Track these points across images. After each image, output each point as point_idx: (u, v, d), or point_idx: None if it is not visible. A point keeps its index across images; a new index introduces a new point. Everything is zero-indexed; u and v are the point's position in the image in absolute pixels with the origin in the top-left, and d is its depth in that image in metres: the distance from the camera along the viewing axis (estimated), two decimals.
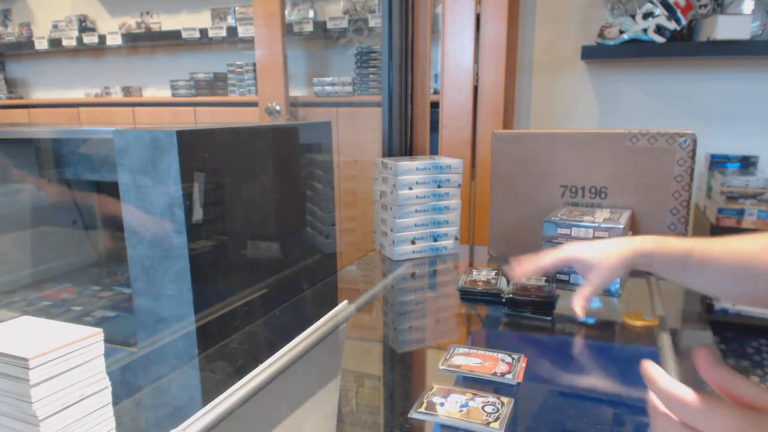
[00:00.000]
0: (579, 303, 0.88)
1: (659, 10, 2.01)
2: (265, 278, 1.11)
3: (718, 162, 2.13)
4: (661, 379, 0.43)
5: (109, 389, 0.51)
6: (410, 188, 1.33)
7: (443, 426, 0.67)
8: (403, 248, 1.36)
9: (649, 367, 0.44)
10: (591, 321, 1.03)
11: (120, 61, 3.60)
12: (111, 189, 0.98)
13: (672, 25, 2.01)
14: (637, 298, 1.15)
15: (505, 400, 0.71)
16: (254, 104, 2.75)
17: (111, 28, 3.52)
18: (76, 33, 3.48)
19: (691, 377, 0.83)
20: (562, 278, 1.15)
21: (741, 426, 0.37)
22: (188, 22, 3.32)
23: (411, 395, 0.79)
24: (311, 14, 2.95)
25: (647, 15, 2.03)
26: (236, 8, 3.14)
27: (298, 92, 3.07)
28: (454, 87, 2.05)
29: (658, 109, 2.28)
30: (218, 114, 3.11)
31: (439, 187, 1.36)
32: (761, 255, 0.68)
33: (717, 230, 1.89)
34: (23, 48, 3.72)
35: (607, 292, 1.12)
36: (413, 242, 1.37)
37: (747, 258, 0.69)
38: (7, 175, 1.31)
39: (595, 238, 1.10)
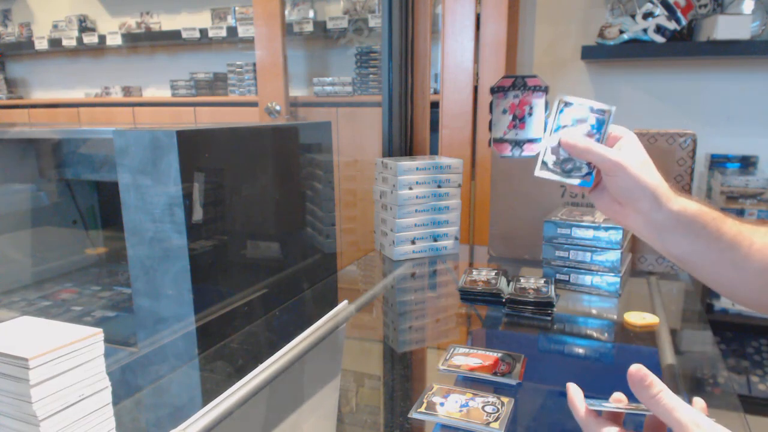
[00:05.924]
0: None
1: (659, 10, 2.01)
2: (265, 278, 1.11)
3: (718, 162, 2.13)
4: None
5: (109, 389, 0.51)
6: (410, 188, 1.33)
7: (443, 426, 0.67)
8: (403, 248, 1.36)
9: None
10: (591, 321, 1.03)
11: (120, 61, 3.60)
12: (111, 189, 0.98)
13: (672, 25, 2.01)
14: (637, 298, 1.15)
15: (505, 400, 0.71)
16: (254, 104, 2.75)
17: (111, 28, 3.52)
18: (76, 33, 3.48)
19: (690, 377, 0.83)
20: (562, 278, 1.15)
21: None
22: (188, 22, 3.32)
23: (411, 395, 0.79)
24: (311, 14, 2.95)
25: (647, 15, 2.03)
26: (236, 8, 3.14)
27: (298, 92, 3.06)
28: (454, 87, 2.05)
29: (658, 109, 2.27)
30: (218, 114, 3.11)
31: (439, 187, 1.36)
32: None
33: None
34: (23, 48, 3.72)
35: (607, 292, 1.12)
36: (413, 242, 1.37)
37: None
38: (7, 175, 1.31)
39: (595, 237, 1.10)
